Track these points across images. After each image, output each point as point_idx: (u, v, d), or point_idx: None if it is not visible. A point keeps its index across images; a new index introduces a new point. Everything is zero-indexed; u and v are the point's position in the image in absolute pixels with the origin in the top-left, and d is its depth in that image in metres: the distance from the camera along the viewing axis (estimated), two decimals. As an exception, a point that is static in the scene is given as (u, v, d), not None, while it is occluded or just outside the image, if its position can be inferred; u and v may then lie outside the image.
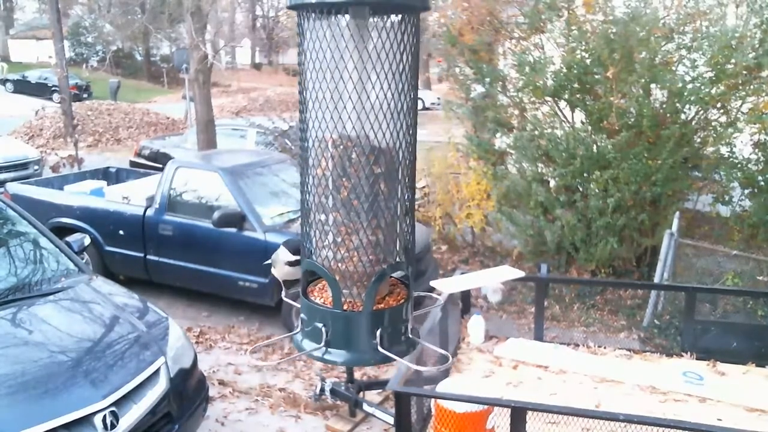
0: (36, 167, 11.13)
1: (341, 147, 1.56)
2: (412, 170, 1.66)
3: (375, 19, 1.52)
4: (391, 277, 1.68)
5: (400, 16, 1.54)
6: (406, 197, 1.65)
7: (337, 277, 1.62)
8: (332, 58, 1.50)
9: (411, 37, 1.55)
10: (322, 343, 1.63)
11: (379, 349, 1.58)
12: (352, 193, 1.57)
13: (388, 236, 1.62)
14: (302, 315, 1.69)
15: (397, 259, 1.66)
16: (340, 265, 1.62)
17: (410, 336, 1.65)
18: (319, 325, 1.63)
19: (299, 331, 1.71)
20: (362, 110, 1.52)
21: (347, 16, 1.51)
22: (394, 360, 1.63)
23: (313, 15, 1.52)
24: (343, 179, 1.57)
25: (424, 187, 8.28)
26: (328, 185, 1.59)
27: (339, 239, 1.59)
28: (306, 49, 1.55)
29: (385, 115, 1.53)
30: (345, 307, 1.61)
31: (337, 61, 1.50)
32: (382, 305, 1.65)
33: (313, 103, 1.55)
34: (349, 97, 1.51)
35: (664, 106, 6.00)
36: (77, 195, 6.73)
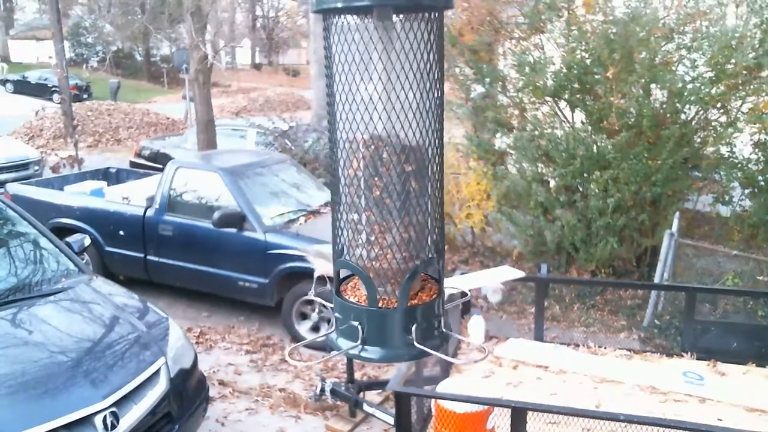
0: (36, 168, 11.14)
1: (372, 147, 1.58)
2: (440, 167, 1.69)
3: (401, 19, 1.54)
4: (423, 273, 1.70)
5: (425, 14, 1.56)
6: (436, 194, 1.68)
7: (371, 275, 1.64)
8: (361, 60, 1.51)
9: (436, 36, 1.58)
10: (359, 341, 1.65)
11: (415, 344, 1.60)
12: (384, 191, 1.59)
13: (420, 233, 1.64)
14: (336, 314, 1.71)
15: (429, 255, 1.69)
16: (374, 263, 1.64)
17: (443, 330, 1.66)
18: (355, 323, 1.65)
19: (334, 330, 1.73)
20: (392, 110, 1.54)
21: (372, 17, 1.53)
22: (430, 354, 1.66)
23: (339, 18, 1.53)
24: (375, 178, 1.59)
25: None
26: (360, 185, 1.61)
27: (372, 238, 1.62)
28: (333, 53, 1.57)
29: (414, 114, 1.56)
30: (380, 305, 1.63)
31: (366, 63, 1.51)
32: (416, 301, 1.67)
33: (342, 104, 1.57)
34: (379, 97, 1.53)
35: (664, 106, 6.00)
36: (77, 195, 6.74)
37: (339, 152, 1.63)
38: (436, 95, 1.61)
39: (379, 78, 1.52)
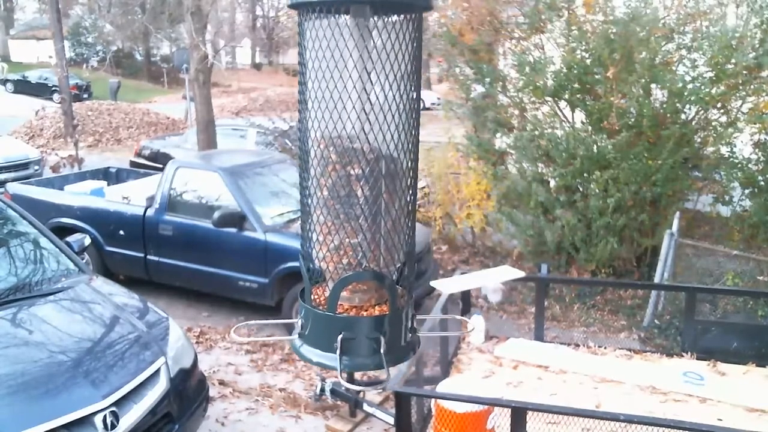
0: (36, 167, 11.13)
1: (341, 147, 1.55)
2: (414, 172, 1.65)
3: (376, 19, 1.52)
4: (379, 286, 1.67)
5: (402, 15, 1.54)
6: (408, 198, 1.65)
7: (330, 278, 1.62)
8: (332, 57, 1.49)
9: (413, 37, 1.55)
10: (299, 336, 1.68)
11: (337, 353, 1.59)
12: (352, 194, 1.56)
13: (389, 240, 1.61)
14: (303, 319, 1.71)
15: (398, 264, 1.66)
16: (337, 266, 1.62)
17: (380, 352, 1.63)
18: (302, 320, 1.67)
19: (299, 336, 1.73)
20: (362, 110, 1.51)
21: (348, 15, 1.51)
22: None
23: (314, 14, 1.51)
24: (343, 180, 1.56)
25: (424, 187, 8.28)
26: (327, 185, 1.58)
27: (337, 242, 1.59)
28: (306, 48, 1.55)
29: (386, 116, 1.52)
30: (339, 311, 1.61)
31: (337, 61, 1.49)
32: (364, 312, 1.65)
33: (313, 102, 1.55)
34: (349, 96, 1.50)
35: (665, 106, 6.00)
36: (77, 195, 6.73)
37: (308, 152, 1.61)
38: (411, 98, 1.58)
39: (350, 76, 1.50)
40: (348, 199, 1.55)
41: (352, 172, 1.54)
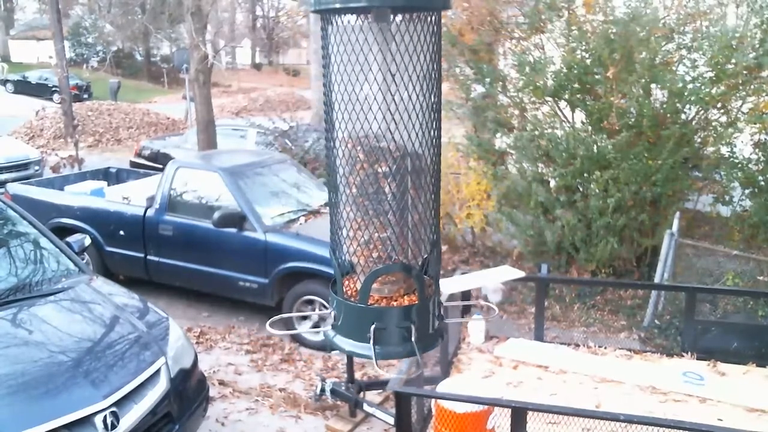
0: (36, 167, 11.14)
1: (369, 146, 1.59)
2: (437, 167, 1.70)
3: (397, 20, 1.54)
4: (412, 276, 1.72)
5: (422, 15, 1.57)
6: (432, 193, 1.69)
7: (361, 271, 1.67)
8: (357, 60, 1.52)
9: (434, 36, 1.58)
10: (332, 328, 1.73)
11: (371, 343, 1.62)
12: (380, 190, 1.61)
13: (416, 233, 1.65)
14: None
15: (424, 255, 1.71)
16: (368, 260, 1.66)
17: (412, 340, 1.67)
18: (334, 311, 1.73)
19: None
20: (387, 111, 1.56)
21: (370, 18, 1.53)
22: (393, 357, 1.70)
23: (337, 18, 1.54)
24: (371, 177, 1.60)
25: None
26: (355, 184, 1.62)
27: (367, 237, 1.63)
28: (330, 52, 1.58)
29: (410, 115, 1.57)
30: (370, 302, 1.65)
31: (362, 64, 1.52)
32: (395, 303, 1.69)
33: (339, 104, 1.58)
34: (375, 97, 1.54)
35: (665, 106, 6.00)
36: (78, 195, 6.74)
37: (335, 151, 1.64)
38: (433, 96, 1.61)
39: (375, 78, 1.53)
40: (376, 196, 1.59)
41: (379, 169, 1.57)
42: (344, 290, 1.70)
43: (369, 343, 1.59)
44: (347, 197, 1.63)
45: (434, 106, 1.63)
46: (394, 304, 1.65)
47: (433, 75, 1.60)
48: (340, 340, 1.68)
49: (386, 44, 1.53)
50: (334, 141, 1.64)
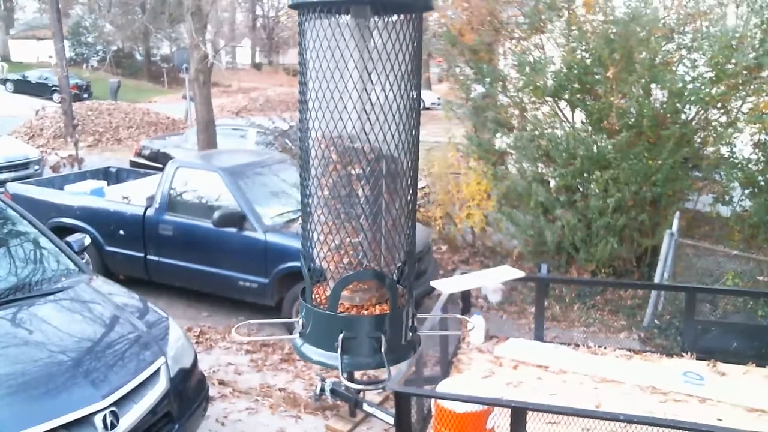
0: (36, 167, 11.13)
1: (342, 147, 1.55)
2: (414, 171, 1.65)
3: (376, 19, 1.52)
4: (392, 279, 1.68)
5: (402, 15, 1.54)
6: (408, 198, 1.65)
7: (331, 277, 1.62)
8: (333, 57, 1.49)
9: (413, 37, 1.55)
10: (300, 335, 1.69)
11: (338, 353, 1.59)
12: (353, 193, 1.56)
13: (390, 239, 1.61)
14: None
15: (398, 264, 1.66)
16: (338, 265, 1.62)
17: (381, 350, 1.63)
18: (303, 318, 1.68)
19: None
20: (362, 110, 1.51)
21: (348, 16, 1.51)
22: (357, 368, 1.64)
23: (314, 14, 1.52)
24: (344, 179, 1.56)
25: (424, 187, 8.28)
26: (328, 185, 1.58)
27: (338, 241, 1.59)
28: (307, 48, 1.55)
29: (386, 116, 1.52)
30: (340, 310, 1.61)
31: (337, 61, 1.49)
32: (365, 311, 1.65)
33: (314, 102, 1.55)
34: (350, 96, 1.51)
35: (665, 106, 6.00)
36: (77, 195, 6.73)
37: (309, 151, 1.61)
38: (411, 98, 1.58)
39: (350, 76, 1.50)
40: (349, 199, 1.55)
41: (352, 171, 1.54)
42: (314, 297, 1.66)
43: (337, 352, 1.56)
44: (319, 199, 1.59)
45: (412, 109, 1.59)
46: (365, 312, 1.61)
47: (412, 77, 1.57)
48: (308, 349, 1.64)
49: (363, 42, 1.50)
50: (307, 141, 1.61)
